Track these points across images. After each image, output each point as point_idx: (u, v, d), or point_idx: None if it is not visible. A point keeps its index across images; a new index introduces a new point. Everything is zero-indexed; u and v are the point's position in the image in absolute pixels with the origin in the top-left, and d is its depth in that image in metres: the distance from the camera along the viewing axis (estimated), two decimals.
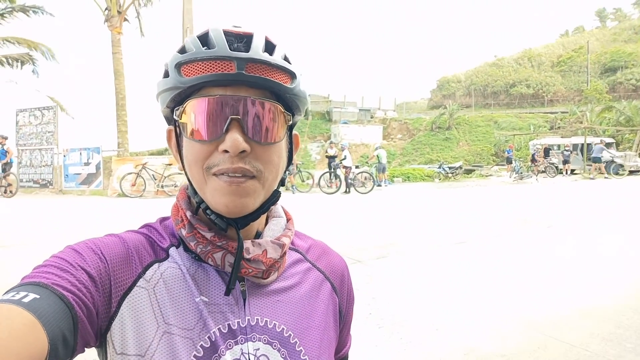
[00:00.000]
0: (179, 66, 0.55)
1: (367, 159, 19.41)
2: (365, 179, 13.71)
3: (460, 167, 19.87)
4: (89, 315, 0.50)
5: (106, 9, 15.41)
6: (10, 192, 11.89)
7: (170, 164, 12.03)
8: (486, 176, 21.17)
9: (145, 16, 16.58)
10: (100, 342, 0.54)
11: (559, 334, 2.83)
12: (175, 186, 11.93)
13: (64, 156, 13.66)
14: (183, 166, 0.60)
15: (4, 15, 14.49)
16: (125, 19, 15.82)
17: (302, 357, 0.61)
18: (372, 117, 31.82)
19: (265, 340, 0.59)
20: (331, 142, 14.43)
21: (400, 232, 6.39)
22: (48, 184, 13.71)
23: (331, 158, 13.44)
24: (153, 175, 12.01)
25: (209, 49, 0.54)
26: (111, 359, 0.53)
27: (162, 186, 12.02)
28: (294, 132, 0.66)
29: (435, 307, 3.40)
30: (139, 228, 0.65)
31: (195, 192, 0.59)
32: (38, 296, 0.45)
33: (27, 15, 14.78)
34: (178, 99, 0.57)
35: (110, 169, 13.23)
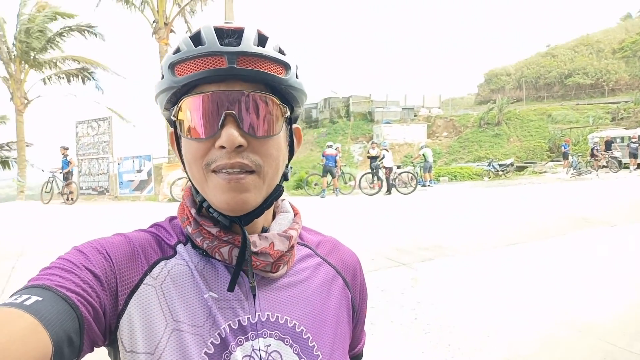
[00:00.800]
0: (172, 66, 0.56)
1: (412, 159, 18.92)
2: (411, 179, 13.39)
3: (512, 164, 18.88)
4: (96, 316, 0.50)
5: (154, 21, 16.27)
6: (72, 199, 12.77)
7: None
8: (540, 173, 19.94)
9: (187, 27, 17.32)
10: (110, 340, 0.54)
11: (627, 344, 2.56)
12: None
13: (118, 164, 14.49)
14: (184, 166, 0.60)
15: (63, 34, 15.68)
16: (172, 31, 16.59)
17: (315, 353, 0.60)
18: (415, 116, 31.06)
19: (276, 336, 0.58)
20: (373, 143, 14.21)
21: (446, 234, 6.14)
22: (105, 191, 14.58)
23: (373, 159, 13.27)
24: None
25: (200, 46, 0.55)
26: (121, 357, 0.53)
27: None
28: (296, 125, 0.65)
29: (486, 312, 3.20)
30: (148, 227, 0.65)
31: (197, 192, 0.60)
32: (41, 298, 0.45)
33: (83, 36, 15.90)
34: (174, 99, 0.58)
35: (161, 175, 13.85)
